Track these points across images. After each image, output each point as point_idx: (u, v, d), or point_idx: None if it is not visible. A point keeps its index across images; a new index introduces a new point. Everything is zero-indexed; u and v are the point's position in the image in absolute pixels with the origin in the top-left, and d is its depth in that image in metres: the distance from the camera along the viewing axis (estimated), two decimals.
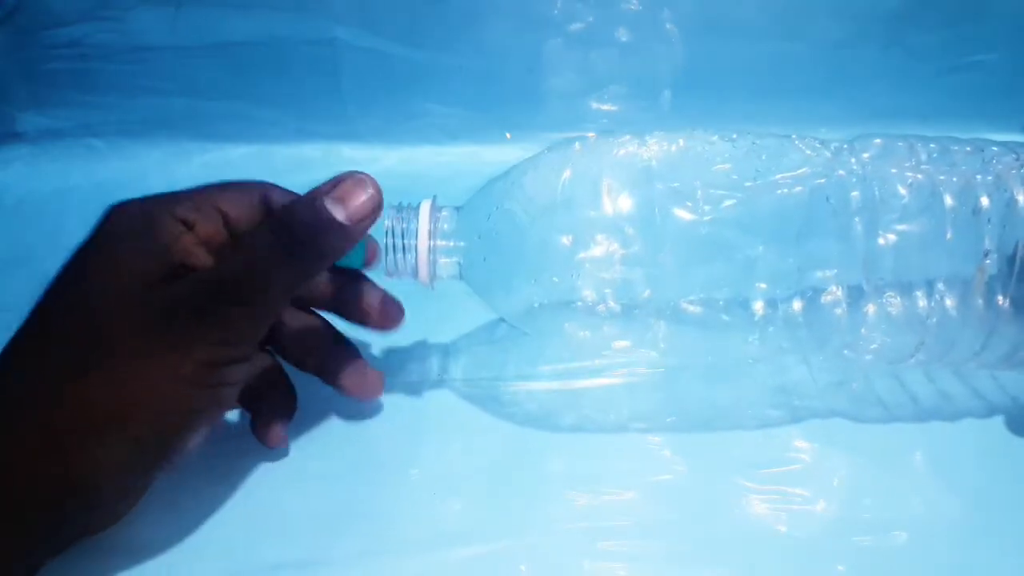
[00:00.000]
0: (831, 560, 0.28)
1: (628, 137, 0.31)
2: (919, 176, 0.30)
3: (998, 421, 0.33)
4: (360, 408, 0.33)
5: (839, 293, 0.30)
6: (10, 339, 0.24)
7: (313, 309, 0.32)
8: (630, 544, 0.28)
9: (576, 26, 0.47)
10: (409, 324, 0.32)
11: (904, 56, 0.48)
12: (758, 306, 0.30)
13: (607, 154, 0.30)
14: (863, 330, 0.30)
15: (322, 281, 0.31)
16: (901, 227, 0.29)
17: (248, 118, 0.50)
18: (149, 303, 0.24)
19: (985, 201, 0.29)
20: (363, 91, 0.49)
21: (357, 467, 0.31)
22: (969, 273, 0.30)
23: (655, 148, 0.30)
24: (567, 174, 0.29)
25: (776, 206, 0.30)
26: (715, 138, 0.30)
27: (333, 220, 0.25)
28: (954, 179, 0.30)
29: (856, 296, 0.30)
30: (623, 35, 0.48)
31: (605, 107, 0.49)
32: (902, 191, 0.30)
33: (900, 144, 0.31)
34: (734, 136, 0.30)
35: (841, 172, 0.30)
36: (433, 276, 0.30)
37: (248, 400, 0.31)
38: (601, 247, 0.29)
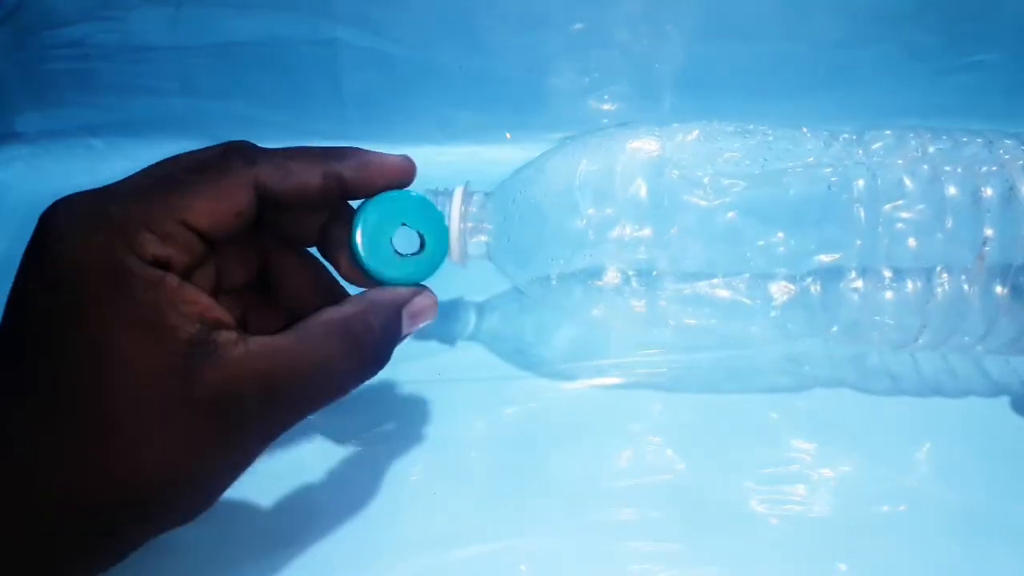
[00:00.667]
0: (831, 560, 0.28)
1: (644, 127, 0.32)
2: (924, 166, 0.31)
3: (1004, 408, 0.33)
4: (360, 408, 0.33)
5: (844, 277, 0.31)
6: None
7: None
8: (630, 544, 0.28)
9: (576, 26, 0.47)
10: None
11: (905, 56, 0.48)
12: (765, 289, 0.31)
13: (624, 143, 0.32)
14: (867, 313, 0.31)
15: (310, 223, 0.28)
16: (904, 215, 0.30)
17: (248, 118, 0.50)
18: (189, 401, 0.21)
19: (986, 190, 0.30)
20: (363, 91, 0.49)
21: (357, 467, 0.31)
22: (970, 260, 0.30)
23: (670, 137, 0.32)
24: (585, 162, 0.32)
25: (783, 194, 0.31)
26: (730, 128, 0.32)
27: (404, 336, 0.26)
28: (958, 169, 0.31)
29: (859, 280, 0.31)
30: (623, 35, 0.48)
31: (605, 107, 0.49)
32: (906, 180, 0.31)
33: (910, 136, 0.32)
34: (750, 127, 0.32)
35: (847, 162, 0.31)
36: (464, 255, 0.32)
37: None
38: (616, 230, 0.31)
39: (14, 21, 0.47)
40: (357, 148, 0.26)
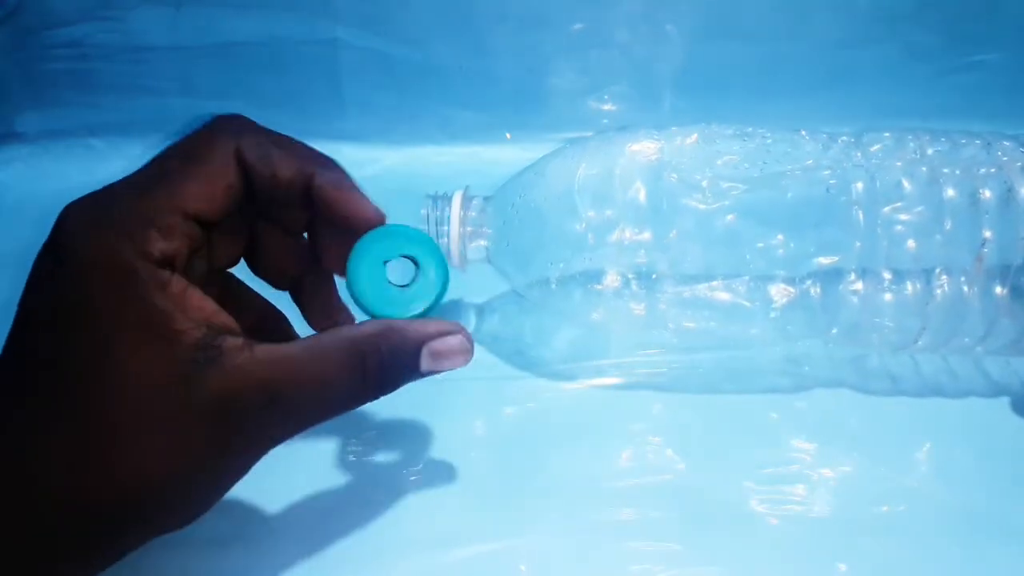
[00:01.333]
0: (831, 560, 0.28)
1: (643, 131, 0.33)
2: (923, 168, 0.31)
3: (1004, 408, 0.33)
4: (359, 408, 0.33)
5: (843, 279, 0.31)
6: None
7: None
8: (630, 544, 0.28)
9: (576, 26, 0.47)
10: None
11: (905, 56, 0.48)
12: (765, 291, 0.32)
13: (623, 147, 0.32)
14: (866, 315, 0.31)
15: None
16: (903, 216, 0.30)
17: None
18: (192, 405, 0.21)
19: (984, 192, 0.30)
20: (363, 91, 0.49)
21: (357, 467, 0.31)
22: (969, 261, 0.30)
23: (669, 141, 0.32)
24: (584, 165, 0.32)
25: (782, 196, 0.31)
26: (729, 131, 0.32)
27: (424, 373, 0.24)
28: (957, 171, 0.31)
29: (859, 282, 0.31)
30: (623, 35, 0.48)
31: (605, 107, 0.49)
32: (904, 182, 0.31)
33: (909, 138, 0.32)
34: (748, 130, 0.32)
35: (846, 164, 0.31)
36: (464, 259, 0.32)
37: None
38: (615, 234, 0.31)
39: (14, 21, 0.47)
40: (344, 171, 0.26)
